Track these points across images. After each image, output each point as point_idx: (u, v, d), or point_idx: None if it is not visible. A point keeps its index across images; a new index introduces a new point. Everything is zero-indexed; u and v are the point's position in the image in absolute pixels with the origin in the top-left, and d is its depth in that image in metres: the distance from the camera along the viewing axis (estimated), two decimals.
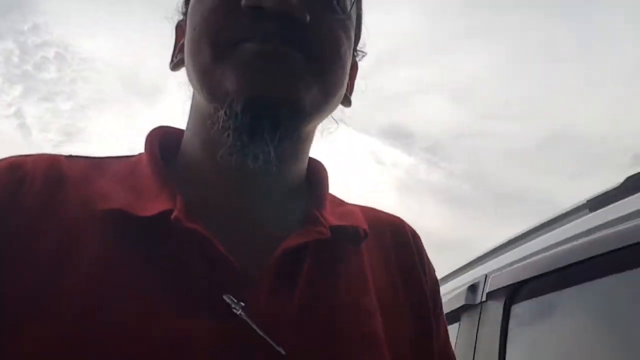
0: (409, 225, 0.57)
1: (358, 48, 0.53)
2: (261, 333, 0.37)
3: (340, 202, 0.54)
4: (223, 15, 0.41)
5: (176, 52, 0.51)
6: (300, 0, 0.40)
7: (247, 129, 0.39)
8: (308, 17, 0.40)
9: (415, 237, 0.56)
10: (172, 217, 0.39)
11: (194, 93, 0.48)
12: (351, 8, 0.45)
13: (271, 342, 0.37)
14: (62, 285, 0.37)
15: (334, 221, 0.47)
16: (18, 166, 0.43)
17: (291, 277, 0.42)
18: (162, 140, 0.49)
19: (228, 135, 0.40)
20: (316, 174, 0.52)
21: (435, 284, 0.55)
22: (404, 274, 0.52)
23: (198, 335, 0.37)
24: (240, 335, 0.37)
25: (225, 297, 0.38)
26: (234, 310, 0.38)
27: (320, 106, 0.44)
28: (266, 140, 0.39)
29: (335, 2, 0.44)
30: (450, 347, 0.56)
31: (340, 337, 0.42)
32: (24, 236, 0.39)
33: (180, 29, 0.51)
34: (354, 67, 0.53)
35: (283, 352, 0.37)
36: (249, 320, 0.37)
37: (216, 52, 0.41)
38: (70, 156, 0.47)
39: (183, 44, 0.47)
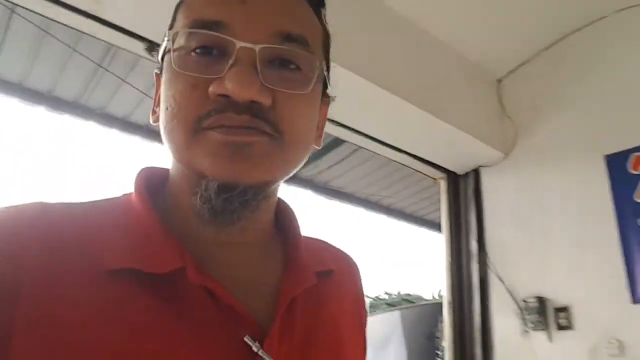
0: (353, 260, 0.64)
1: (329, 90, 0.55)
2: None
3: (304, 240, 0.57)
4: (193, 102, 0.44)
5: (155, 104, 0.53)
6: (261, 86, 0.43)
7: (220, 210, 0.45)
8: (270, 100, 0.44)
9: (358, 270, 0.64)
10: (188, 274, 0.43)
11: None
12: (313, 85, 0.47)
13: None
14: (91, 349, 0.39)
15: (315, 267, 0.54)
16: (13, 234, 0.42)
17: (290, 321, 0.48)
18: (150, 183, 0.51)
19: (204, 211, 0.45)
20: (284, 213, 0.57)
21: (364, 315, 0.63)
22: (357, 307, 0.60)
23: None
24: None
25: (246, 339, 0.43)
26: (255, 350, 0.43)
27: (285, 176, 0.49)
28: (238, 215, 0.46)
29: (296, 79, 0.46)
30: None
31: None
32: (36, 308, 0.39)
33: (158, 79, 0.52)
34: (324, 111, 0.56)
35: None
36: (265, 356, 0.43)
37: (187, 136, 0.44)
38: (63, 204, 0.47)
39: (160, 98, 0.50)
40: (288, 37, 0.46)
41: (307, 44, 0.47)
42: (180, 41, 0.46)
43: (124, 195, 0.51)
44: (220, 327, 0.44)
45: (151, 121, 0.53)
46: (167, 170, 0.53)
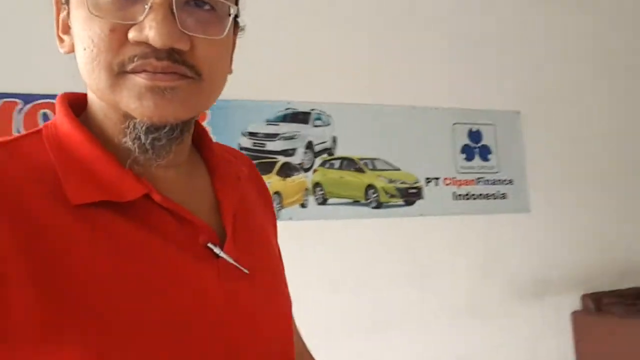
0: (248, 158, 0.71)
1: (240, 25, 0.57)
2: (235, 263, 0.52)
3: (214, 147, 0.61)
4: (112, 46, 0.44)
5: (59, 29, 0.52)
6: (180, 33, 0.44)
7: (149, 146, 0.47)
8: (189, 45, 0.46)
9: (255, 167, 0.70)
10: (155, 198, 0.48)
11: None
12: (227, 31, 0.49)
13: (241, 267, 0.52)
14: (92, 276, 0.43)
15: (234, 174, 0.59)
16: None
17: (235, 225, 0.55)
18: (75, 111, 0.52)
19: (135, 147, 0.48)
20: (197, 129, 0.59)
21: (271, 199, 0.71)
22: (262, 196, 0.68)
23: (203, 273, 0.50)
24: (224, 266, 0.51)
25: (209, 245, 0.50)
26: (217, 253, 0.51)
27: (204, 110, 0.53)
28: (166, 149, 0.49)
29: (211, 22, 0.48)
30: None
31: (266, 256, 0.60)
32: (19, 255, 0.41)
33: (58, 2, 0.51)
34: (235, 38, 0.57)
35: (247, 271, 0.53)
36: (226, 257, 0.51)
37: (111, 79, 0.45)
38: None
39: (66, 25, 0.50)
40: None
41: None
42: None
43: (45, 127, 0.50)
44: (185, 238, 0.49)
45: (61, 50, 0.51)
46: (83, 94, 0.53)
